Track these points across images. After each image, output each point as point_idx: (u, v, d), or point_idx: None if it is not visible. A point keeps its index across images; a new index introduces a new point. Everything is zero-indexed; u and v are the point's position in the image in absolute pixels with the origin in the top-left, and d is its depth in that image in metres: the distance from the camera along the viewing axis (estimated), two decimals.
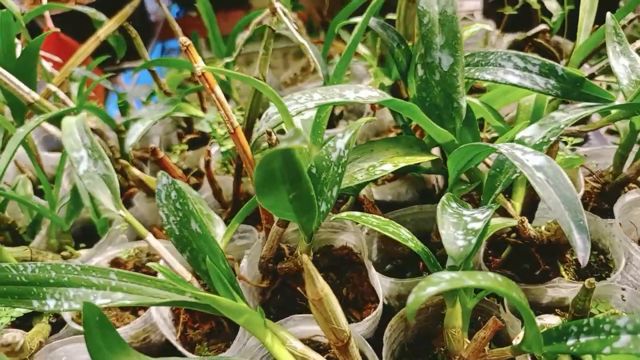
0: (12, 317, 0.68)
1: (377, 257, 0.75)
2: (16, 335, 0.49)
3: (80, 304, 0.52)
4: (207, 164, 0.77)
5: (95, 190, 0.67)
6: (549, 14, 1.03)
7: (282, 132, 0.75)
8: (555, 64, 0.62)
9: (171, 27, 1.00)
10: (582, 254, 0.45)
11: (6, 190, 0.90)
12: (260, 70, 0.74)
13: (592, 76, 0.78)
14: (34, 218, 0.89)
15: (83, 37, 1.05)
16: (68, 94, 1.09)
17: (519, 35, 1.09)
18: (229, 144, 0.87)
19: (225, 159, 0.92)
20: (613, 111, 0.69)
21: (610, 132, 1.02)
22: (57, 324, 0.77)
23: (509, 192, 0.71)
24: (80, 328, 0.72)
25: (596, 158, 0.84)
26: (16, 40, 0.93)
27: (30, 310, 0.73)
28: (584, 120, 0.86)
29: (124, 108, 1.15)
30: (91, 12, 1.22)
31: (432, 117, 0.63)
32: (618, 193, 0.76)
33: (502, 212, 0.67)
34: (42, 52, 1.19)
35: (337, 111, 1.15)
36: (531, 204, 0.67)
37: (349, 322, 0.65)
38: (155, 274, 0.73)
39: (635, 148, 0.77)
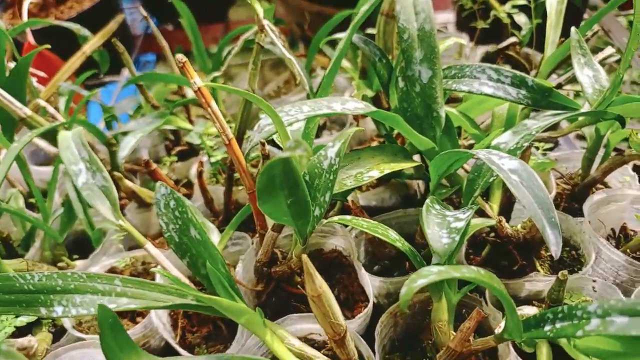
0: (15, 326, 0.70)
1: (365, 259, 0.79)
2: (31, 340, 0.51)
3: (87, 309, 0.55)
4: (200, 174, 0.80)
5: (95, 201, 0.70)
6: (518, 28, 1.10)
7: (271, 142, 0.79)
8: (526, 75, 0.67)
9: (158, 42, 1.03)
10: (555, 247, 0.50)
11: None
12: (250, 84, 0.78)
13: (559, 86, 0.84)
14: (28, 231, 0.91)
15: (63, 51, 1.06)
16: (56, 108, 1.10)
17: (490, 48, 1.16)
18: (219, 155, 0.90)
19: (215, 170, 0.95)
20: (580, 118, 0.75)
21: (579, 137, 1.09)
22: (57, 332, 0.79)
23: (486, 195, 0.76)
24: (81, 335, 0.74)
25: (566, 162, 0.90)
26: None
27: (35, 318, 0.75)
28: (554, 126, 0.92)
29: (109, 122, 1.17)
30: (75, 27, 1.24)
31: (413, 126, 0.68)
32: (587, 193, 0.82)
33: (481, 214, 0.71)
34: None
35: (321, 122, 1.19)
36: (507, 204, 0.72)
37: None
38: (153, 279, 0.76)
39: (601, 152, 0.83)
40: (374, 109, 0.65)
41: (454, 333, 0.63)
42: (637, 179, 0.85)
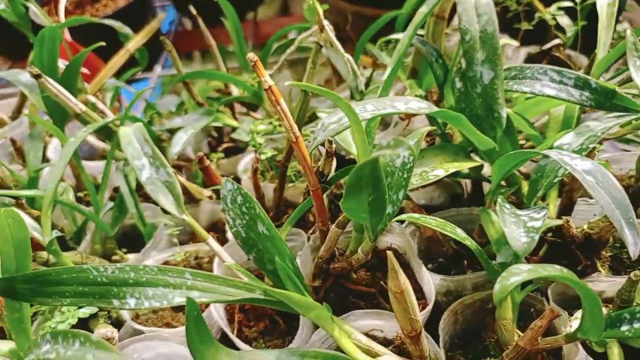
0: (78, 317, 0.71)
1: (419, 257, 0.80)
2: (113, 331, 0.52)
3: (160, 302, 0.56)
4: (255, 171, 0.82)
5: (158, 196, 0.71)
6: (561, 29, 1.10)
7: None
8: (589, 77, 0.68)
9: (205, 40, 1.04)
10: (633, 247, 0.50)
11: None
12: (308, 82, 0.79)
13: None
14: (81, 224, 0.93)
15: (98, 48, 1.06)
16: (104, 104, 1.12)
17: (532, 49, 1.16)
18: (268, 153, 0.91)
19: (263, 167, 0.96)
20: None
21: (625, 140, 1.08)
22: (113, 324, 0.80)
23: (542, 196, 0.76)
24: (140, 327, 0.76)
25: (617, 163, 0.90)
26: None
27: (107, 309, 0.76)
28: None
29: (151, 118, 1.19)
30: (117, 25, 1.26)
31: (473, 126, 0.69)
32: None
33: None
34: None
35: None
36: (568, 205, 0.72)
37: (392, 313, 0.69)
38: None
39: None
40: (436, 108, 0.66)
41: (518, 331, 0.64)
42: None
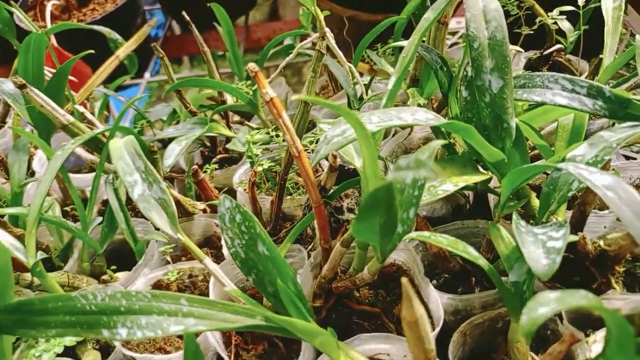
0: (64, 345, 0.67)
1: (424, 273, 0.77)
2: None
3: (154, 331, 0.52)
4: (253, 184, 0.78)
5: (152, 214, 0.67)
6: (562, 34, 1.07)
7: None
8: (603, 85, 0.65)
9: (199, 45, 1.01)
10: None
11: None
12: (309, 92, 0.75)
13: None
14: (68, 242, 0.88)
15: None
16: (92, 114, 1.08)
17: (533, 54, 1.13)
18: (265, 164, 0.88)
19: (259, 179, 0.93)
20: None
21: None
22: (101, 349, 0.76)
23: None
24: (130, 353, 0.71)
25: (622, 172, 0.87)
26: None
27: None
28: None
29: (142, 128, 1.14)
30: (106, 31, 1.22)
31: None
32: None
33: None
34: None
35: None
36: (580, 219, 0.69)
37: (400, 336, 0.65)
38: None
39: None
40: (444, 120, 0.63)
41: (532, 354, 0.60)
42: None
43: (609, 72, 0.82)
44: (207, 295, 0.80)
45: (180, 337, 0.78)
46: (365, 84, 1.01)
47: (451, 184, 0.63)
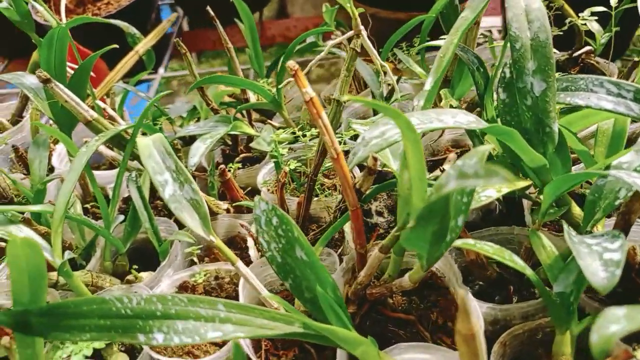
0: (94, 348, 0.65)
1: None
2: None
3: (192, 337, 0.50)
4: (282, 185, 0.76)
5: (183, 215, 0.65)
6: (591, 35, 1.05)
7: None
8: None
9: (222, 42, 0.99)
10: None
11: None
12: (342, 91, 0.73)
13: None
14: (90, 240, 0.87)
15: (97, 48, 0.99)
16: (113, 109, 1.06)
17: (561, 55, 1.11)
18: (292, 164, 0.86)
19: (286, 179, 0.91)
20: None
21: None
22: (127, 352, 0.74)
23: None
24: (158, 357, 0.70)
25: None
26: None
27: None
28: None
29: (161, 126, 1.12)
30: (124, 25, 1.20)
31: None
32: None
33: None
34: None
35: None
36: (624, 228, 0.67)
37: (439, 346, 0.64)
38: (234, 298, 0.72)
39: None
40: (485, 123, 0.61)
41: None
42: None
43: None
44: (235, 298, 0.78)
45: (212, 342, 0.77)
46: (389, 84, 0.99)
47: (494, 189, 0.61)
